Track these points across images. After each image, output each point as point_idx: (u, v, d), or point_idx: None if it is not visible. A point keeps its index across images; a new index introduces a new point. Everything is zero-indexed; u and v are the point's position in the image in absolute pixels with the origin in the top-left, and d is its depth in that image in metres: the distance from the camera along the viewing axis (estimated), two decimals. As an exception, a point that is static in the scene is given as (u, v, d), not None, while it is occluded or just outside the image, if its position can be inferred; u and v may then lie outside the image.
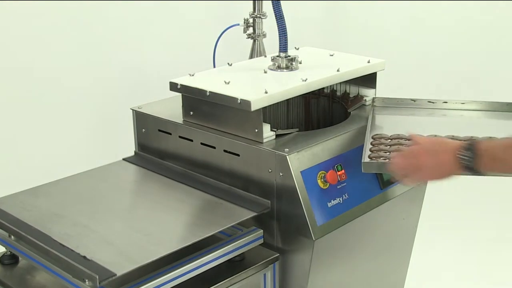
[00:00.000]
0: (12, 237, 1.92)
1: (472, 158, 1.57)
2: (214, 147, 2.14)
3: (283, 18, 2.27)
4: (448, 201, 3.75)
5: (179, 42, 3.53)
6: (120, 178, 2.26)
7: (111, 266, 1.63)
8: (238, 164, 2.09)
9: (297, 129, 2.14)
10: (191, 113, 2.21)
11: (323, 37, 4.03)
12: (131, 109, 2.39)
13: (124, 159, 2.37)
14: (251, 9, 2.90)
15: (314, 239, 1.93)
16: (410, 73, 3.86)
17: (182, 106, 2.25)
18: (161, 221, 1.92)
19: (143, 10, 3.38)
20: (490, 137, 1.94)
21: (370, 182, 2.13)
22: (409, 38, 3.95)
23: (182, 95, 2.22)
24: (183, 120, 2.25)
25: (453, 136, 1.98)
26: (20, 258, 1.99)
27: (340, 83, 2.43)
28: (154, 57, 3.47)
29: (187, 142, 2.22)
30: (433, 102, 2.31)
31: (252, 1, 2.89)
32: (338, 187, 2.03)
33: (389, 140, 2.03)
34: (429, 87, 3.77)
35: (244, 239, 1.94)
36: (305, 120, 2.57)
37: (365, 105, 2.38)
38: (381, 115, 2.28)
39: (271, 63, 2.34)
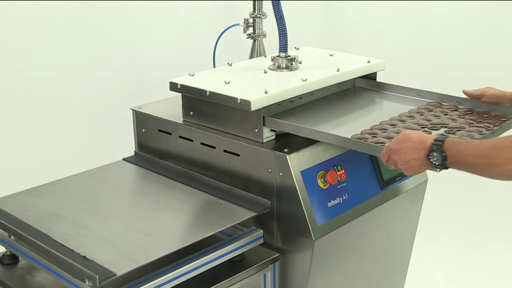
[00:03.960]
0: (12, 237, 1.92)
1: (442, 160, 1.64)
2: (214, 147, 2.14)
3: (283, 18, 2.26)
4: (448, 201, 3.76)
5: (179, 42, 3.53)
6: (120, 178, 2.26)
7: (111, 266, 1.63)
8: (238, 164, 2.09)
9: (297, 129, 2.14)
10: (191, 113, 2.21)
11: (323, 37, 4.03)
12: (131, 109, 2.39)
13: (124, 159, 2.37)
14: (251, 9, 2.90)
15: (314, 239, 1.93)
16: (410, 73, 3.85)
17: (182, 106, 2.25)
18: (161, 221, 1.92)
19: (143, 10, 3.38)
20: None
21: (370, 182, 2.13)
22: (409, 38, 3.95)
23: (182, 95, 2.22)
24: (183, 120, 2.25)
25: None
26: (20, 258, 1.99)
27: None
28: (154, 57, 3.47)
29: (187, 142, 2.22)
30: None
31: (252, 1, 2.90)
32: (338, 187, 2.03)
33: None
34: (428, 87, 3.76)
35: (244, 239, 1.94)
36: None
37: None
38: None
39: (271, 63, 2.34)
